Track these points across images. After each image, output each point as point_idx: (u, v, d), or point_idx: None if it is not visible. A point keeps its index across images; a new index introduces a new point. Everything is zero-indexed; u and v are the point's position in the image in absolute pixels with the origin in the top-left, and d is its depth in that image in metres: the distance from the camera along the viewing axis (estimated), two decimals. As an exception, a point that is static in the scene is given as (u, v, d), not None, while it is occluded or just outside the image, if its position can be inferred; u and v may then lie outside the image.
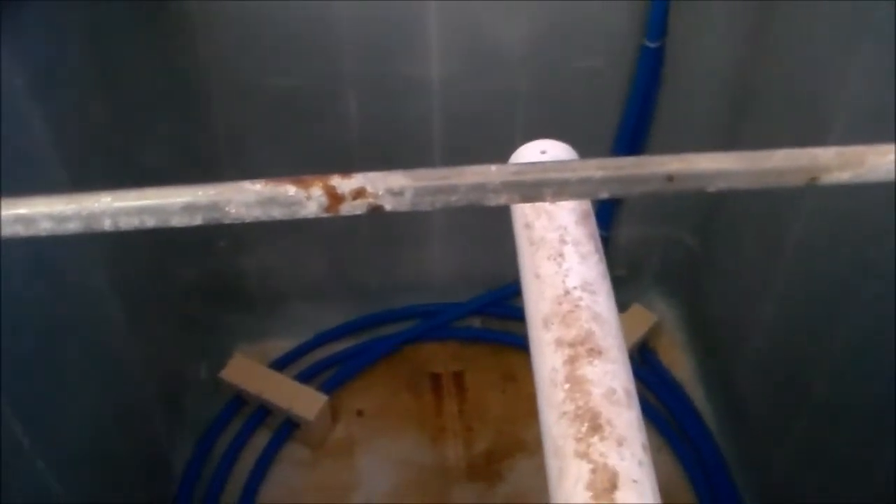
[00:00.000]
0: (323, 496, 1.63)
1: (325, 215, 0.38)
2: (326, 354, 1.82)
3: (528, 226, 0.58)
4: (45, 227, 0.39)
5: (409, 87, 1.50)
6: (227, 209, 0.38)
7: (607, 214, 1.73)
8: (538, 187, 0.38)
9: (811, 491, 1.40)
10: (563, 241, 0.56)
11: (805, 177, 0.41)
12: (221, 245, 1.68)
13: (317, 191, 0.38)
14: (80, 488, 1.20)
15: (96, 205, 0.39)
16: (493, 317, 1.86)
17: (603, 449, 0.45)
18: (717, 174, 0.40)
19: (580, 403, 0.47)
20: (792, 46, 1.35)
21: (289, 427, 1.68)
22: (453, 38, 1.44)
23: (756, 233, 1.52)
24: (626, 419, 0.46)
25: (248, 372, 1.70)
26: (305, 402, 1.65)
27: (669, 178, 0.39)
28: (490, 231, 1.60)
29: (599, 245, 0.57)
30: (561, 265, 0.54)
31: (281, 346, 1.82)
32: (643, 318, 1.78)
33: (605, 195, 0.40)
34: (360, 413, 1.74)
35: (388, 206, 0.38)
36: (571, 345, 0.49)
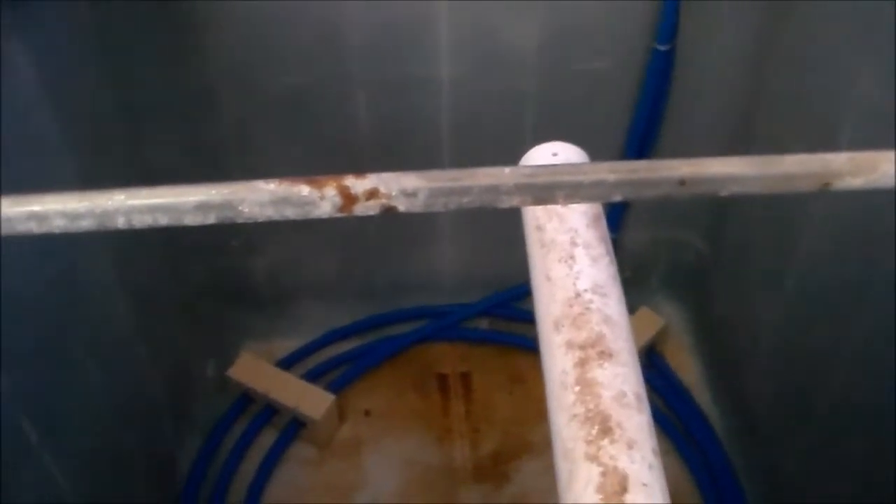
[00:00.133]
0: (329, 496, 1.63)
1: (338, 215, 0.38)
2: (334, 354, 1.82)
3: (539, 228, 0.58)
4: (58, 225, 0.39)
5: (418, 88, 1.50)
6: (240, 208, 0.38)
7: (616, 217, 1.72)
8: (551, 190, 0.38)
9: (818, 496, 1.39)
10: (574, 244, 0.56)
11: (817, 182, 0.41)
12: (234, 244, 1.68)
13: (330, 191, 0.38)
14: (86, 484, 1.20)
15: (109, 202, 0.39)
16: (501, 318, 1.86)
17: (613, 452, 0.45)
18: (729, 178, 0.40)
19: (590, 406, 0.47)
20: (802, 49, 1.35)
21: (295, 426, 1.68)
22: (463, 39, 1.44)
23: (765, 236, 1.51)
24: (636, 422, 0.46)
25: (255, 370, 1.70)
26: (312, 401, 1.65)
27: (681, 181, 0.39)
28: (499, 232, 1.60)
29: (610, 248, 0.57)
30: (572, 267, 0.54)
31: (288, 344, 1.82)
32: (651, 321, 1.78)
33: (617, 198, 0.40)
34: (367, 413, 1.74)
35: (401, 207, 0.38)
36: (582, 347, 0.49)
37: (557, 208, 0.58)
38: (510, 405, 1.75)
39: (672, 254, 1.81)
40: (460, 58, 1.46)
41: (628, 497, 0.43)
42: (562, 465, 0.46)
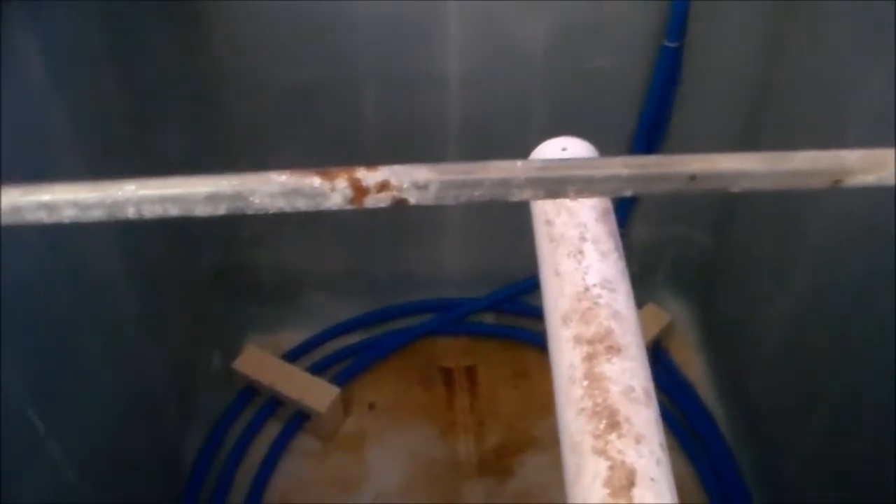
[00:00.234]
0: (333, 488, 1.63)
1: (348, 207, 0.38)
2: (339, 347, 1.82)
3: (548, 222, 0.58)
4: (68, 214, 0.39)
5: (426, 84, 1.50)
6: (251, 199, 0.38)
7: (622, 212, 1.72)
8: (562, 184, 0.38)
9: (823, 494, 1.39)
10: (583, 239, 0.56)
11: (829, 179, 0.41)
12: (245, 235, 1.68)
13: (341, 183, 0.38)
14: (92, 475, 1.20)
15: (120, 193, 0.39)
16: (506, 313, 1.86)
17: (621, 446, 0.45)
18: (740, 175, 0.40)
19: (598, 400, 0.47)
20: (810, 47, 1.34)
21: (300, 419, 1.68)
22: (472, 35, 1.44)
23: (772, 233, 1.51)
24: (644, 417, 0.46)
25: (260, 363, 1.70)
26: (317, 393, 1.65)
27: (692, 177, 0.39)
28: (505, 227, 1.60)
29: (619, 243, 0.57)
30: (581, 262, 0.54)
31: (294, 337, 1.83)
32: (657, 317, 1.78)
33: (628, 193, 0.40)
34: (371, 406, 1.74)
35: (412, 200, 0.38)
36: (590, 342, 0.49)
37: (566, 203, 0.58)
38: (515, 399, 1.75)
39: (679, 250, 1.81)
40: (469, 54, 1.46)
41: (636, 491, 0.43)
42: (569, 459, 0.46)
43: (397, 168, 0.38)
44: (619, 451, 0.45)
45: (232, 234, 1.69)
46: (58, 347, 1.13)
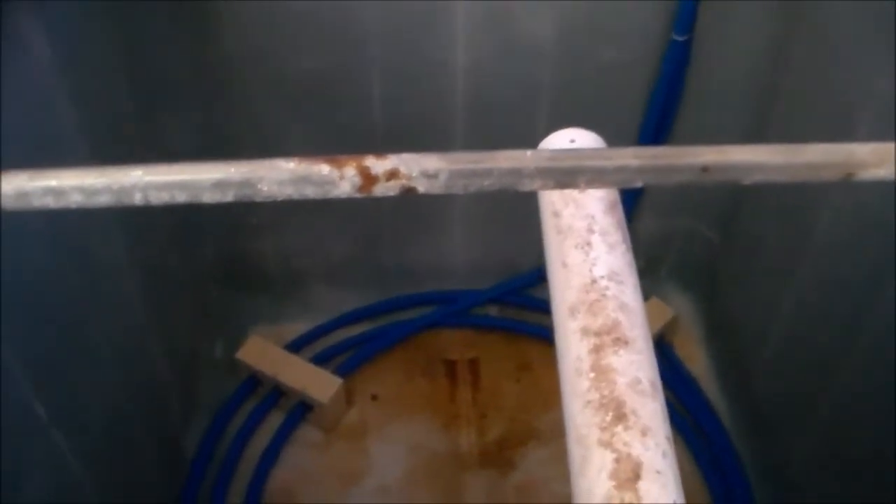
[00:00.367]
0: (335, 479, 1.63)
1: (357, 196, 0.38)
2: (343, 338, 1.82)
3: (555, 214, 0.57)
4: (75, 200, 0.39)
5: (433, 74, 1.50)
6: (259, 186, 0.38)
7: (628, 205, 1.72)
8: (573, 174, 0.38)
9: (826, 489, 1.39)
10: (590, 231, 0.55)
11: (841, 172, 0.40)
12: (253, 222, 1.68)
13: (350, 171, 0.38)
14: (95, 462, 1.20)
15: (127, 178, 0.39)
16: (510, 305, 1.86)
17: (627, 438, 0.45)
18: (752, 167, 0.40)
19: (605, 393, 0.46)
20: (819, 42, 1.34)
21: (302, 409, 1.68)
22: (480, 26, 1.44)
23: (778, 229, 1.51)
24: (650, 409, 0.46)
25: (263, 353, 1.70)
26: (320, 384, 1.65)
27: (705, 168, 0.39)
28: (510, 220, 1.60)
29: (627, 235, 0.56)
30: (588, 254, 0.54)
31: (297, 328, 1.82)
32: (661, 311, 1.78)
33: (639, 184, 0.39)
34: (374, 397, 1.74)
35: (421, 189, 0.38)
36: (597, 334, 0.49)
37: (574, 194, 0.58)
38: (517, 392, 1.75)
39: (684, 245, 1.81)
40: (476, 44, 1.46)
41: (641, 484, 0.43)
42: (575, 451, 0.46)
43: (406, 156, 0.38)
44: (626, 444, 0.45)
45: (237, 224, 1.69)
46: (61, 336, 1.13)
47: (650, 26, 1.46)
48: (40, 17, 1.05)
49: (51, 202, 0.39)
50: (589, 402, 0.46)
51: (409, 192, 0.38)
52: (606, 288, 0.52)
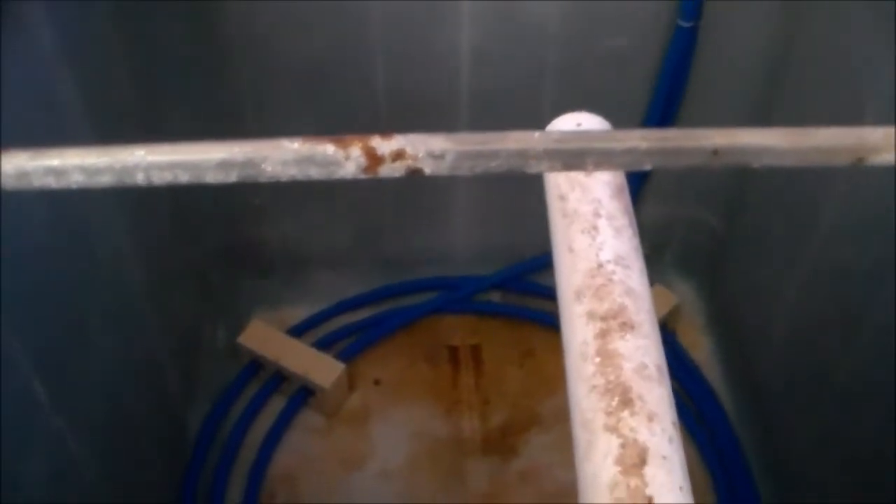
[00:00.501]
0: (336, 464, 1.63)
1: (362, 176, 0.38)
2: (345, 323, 1.82)
3: (561, 198, 0.57)
4: (76, 180, 0.39)
5: (437, 57, 1.49)
6: (263, 167, 0.38)
7: (632, 192, 1.70)
8: (581, 156, 0.38)
9: (828, 478, 1.39)
10: (597, 215, 0.55)
11: (852, 156, 0.40)
12: (256, 203, 1.67)
13: (355, 151, 0.37)
14: (96, 446, 1.20)
15: (129, 158, 0.38)
16: (513, 291, 1.86)
17: (633, 424, 0.44)
18: (763, 150, 0.39)
19: (611, 378, 0.46)
20: (827, 28, 1.33)
21: (304, 394, 1.68)
22: (485, 9, 1.43)
23: (783, 217, 1.50)
24: (657, 395, 0.46)
25: (265, 338, 1.69)
26: (322, 369, 1.65)
27: (715, 152, 0.39)
28: (513, 205, 1.59)
29: (633, 220, 0.56)
30: (595, 238, 0.53)
31: (300, 312, 1.82)
32: (664, 298, 1.77)
33: (647, 167, 0.39)
34: (376, 382, 1.74)
35: (427, 170, 0.37)
36: (603, 318, 0.49)
37: (580, 178, 0.57)
38: (520, 378, 1.75)
39: (688, 232, 1.80)
40: (481, 28, 1.45)
41: (647, 469, 0.43)
42: (580, 436, 0.46)
43: (413, 137, 0.37)
44: (632, 429, 0.44)
45: (239, 208, 1.69)
46: (62, 320, 1.13)
47: (656, 12, 1.46)
48: (42, 1, 1.04)
49: (52, 182, 0.39)
50: (594, 386, 0.46)
51: (415, 174, 0.38)
52: (613, 272, 0.51)
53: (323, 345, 1.75)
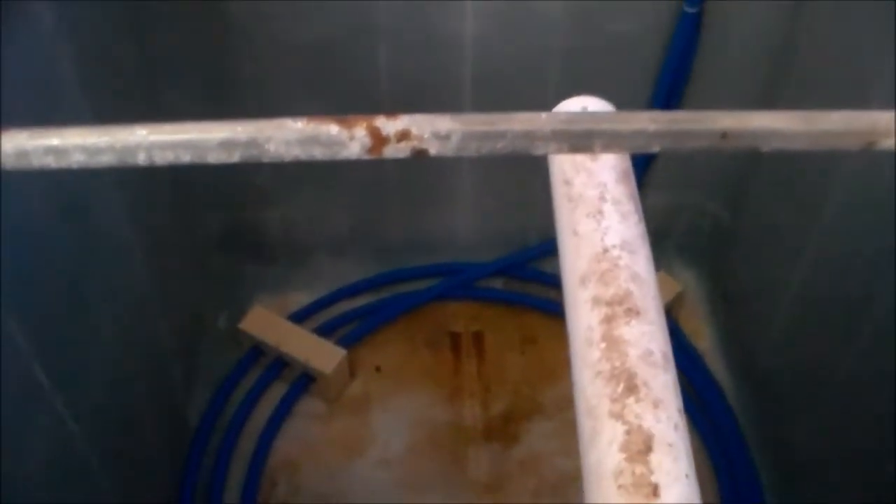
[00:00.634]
0: (337, 451, 1.63)
1: (367, 157, 0.37)
2: (346, 309, 1.81)
3: (566, 182, 0.56)
4: (77, 160, 0.38)
5: (441, 43, 1.49)
6: (266, 147, 0.37)
7: (636, 178, 1.70)
8: (589, 137, 0.37)
9: (830, 467, 1.39)
10: (602, 199, 0.54)
11: (862, 140, 0.39)
12: (258, 182, 1.67)
13: (360, 131, 0.37)
14: (97, 431, 1.20)
15: (131, 137, 0.38)
16: (515, 278, 1.85)
17: (638, 410, 0.44)
18: (772, 133, 0.39)
19: (616, 364, 0.46)
20: (833, 14, 1.33)
21: (305, 380, 1.68)
22: (489, -6, 1.43)
23: (787, 205, 1.50)
24: (662, 381, 0.45)
25: (267, 324, 1.69)
26: (323, 355, 1.65)
27: (723, 134, 0.38)
28: (516, 192, 1.59)
29: (639, 205, 0.55)
30: (600, 223, 0.53)
31: (301, 298, 1.82)
32: (668, 286, 1.77)
33: (655, 149, 0.38)
34: (377, 369, 1.74)
35: (432, 151, 0.37)
36: (609, 304, 0.48)
37: (586, 162, 0.57)
38: (522, 366, 1.74)
39: (691, 219, 1.80)
40: (485, 13, 1.45)
41: (653, 456, 0.42)
42: (585, 423, 0.45)
43: (418, 117, 0.37)
44: (637, 416, 0.44)
45: (241, 193, 1.68)
46: (63, 304, 1.13)
47: (662, -2, 1.45)
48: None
49: (52, 162, 0.38)
50: (599, 372, 0.46)
51: (420, 155, 0.37)
52: (619, 257, 0.51)
53: (324, 331, 1.75)
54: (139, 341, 1.39)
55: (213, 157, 0.37)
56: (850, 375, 1.32)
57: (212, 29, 1.45)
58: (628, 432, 0.43)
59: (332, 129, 0.37)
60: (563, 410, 1.64)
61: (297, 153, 0.37)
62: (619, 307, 0.48)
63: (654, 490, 0.41)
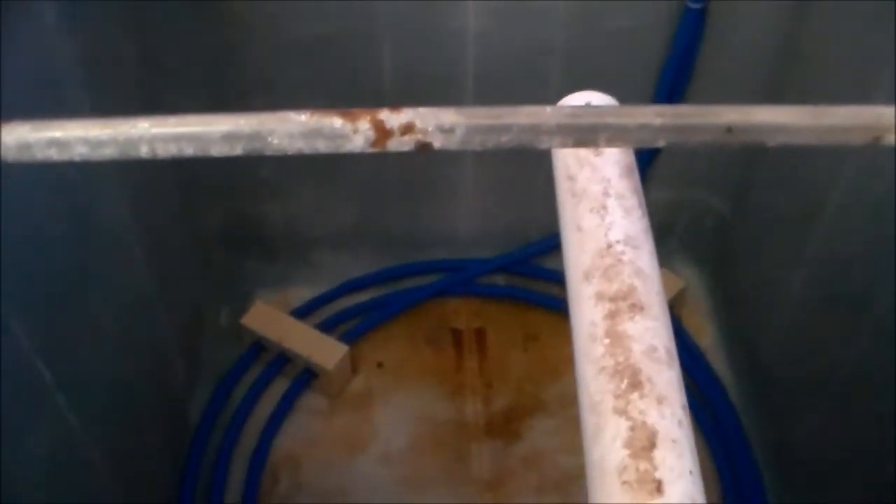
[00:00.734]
0: (339, 446, 1.63)
1: (370, 150, 0.37)
2: (349, 305, 1.81)
3: (570, 177, 0.56)
4: (79, 152, 0.38)
5: (444, 38, 1.48)
6: (269, 139, 0.37)
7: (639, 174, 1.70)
8: (594, 131, 0.37)
9: (832, 464, 1.39)
10: (606, 194, 0.54)
11: (868, 135, 0.39)
12: (262, 174, 1.66)
13: (364, 124, 0.37)
14: (99, 426, 1.20)
15: (133, 130, 0.37)
16: (517, 275, 1.85)
17: (642, 406, 0.44)
18: (777, 128, 0.39)
19: (620, 359, 0.45)
20: (837, 11, 1.32)
21: (307, 376, 1.68)
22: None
23: (790, 203, 1.50)
24: (666, 377, 0.45)
25: (269, 319, 1.69)
26: (325, 351, 1.65)
27: (729, 129, 0.38)
28: (519, 188, 1.59)
29: (643, 200, 0.55)
30: (604, 218, 0.53)
31: (303, 294, 1.82)
32: (670, 282, 1.76)
33: (661, 143, 0.38)
34: (380, 365, 1.74)
35: (437, 144, 0.37)
36: (613, 299, 0.48)
37: (590, 157, 0.56)
38: (524, 362, 1.74)
39: (694, 217, 1.79)
40: (487, 10, 1.44)
41: (657, 452, 0.42)
42: (588, 419, 0.45)
43: (423, 110, 0.37)
44: (641, 412, 0.44)
45: (243, 188, 1.68)
46: (65, 299, 1.12)
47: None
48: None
49: (54, 154, 0.38)
50: (603, 368, 0.45)
51: (424, 148, 0.37)
52: (622, 253, 0.51)
53: (326, 327, 1.75)
54: (140, 337, 1.38)
55: (217, 150, 0.37)
56: (852, 371, 1.32)
57: (214, 26, 1.44)
58: (632, 428, 0.43)
59: (336, 122, 0.36)
60: (566, 407, 1.64)
61: (300, 146, 0.37)
62: (623, 303, 0.48)
63: (658, 486, 0.41)
